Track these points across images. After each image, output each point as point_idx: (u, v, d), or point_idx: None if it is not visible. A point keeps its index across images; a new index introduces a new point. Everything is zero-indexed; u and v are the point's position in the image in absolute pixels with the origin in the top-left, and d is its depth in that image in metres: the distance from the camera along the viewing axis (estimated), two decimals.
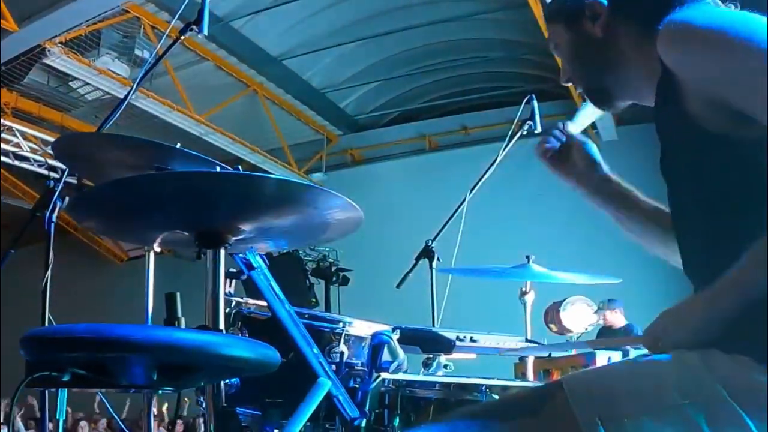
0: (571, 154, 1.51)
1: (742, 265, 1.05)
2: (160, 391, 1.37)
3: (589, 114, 1.61)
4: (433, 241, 3.28)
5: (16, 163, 8.20)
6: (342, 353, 1.73)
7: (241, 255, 1.56)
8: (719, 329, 1.06)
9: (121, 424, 4.42)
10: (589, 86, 1.36)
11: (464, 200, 3.26)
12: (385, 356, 1.59)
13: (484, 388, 1.69)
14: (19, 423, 7.31)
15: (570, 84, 1.40)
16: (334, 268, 8.12)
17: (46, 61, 7.00)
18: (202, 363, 1.32)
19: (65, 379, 1.23)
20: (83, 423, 7.70)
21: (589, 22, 1.28)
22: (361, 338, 1.78)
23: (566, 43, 1.33)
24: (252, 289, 1.59)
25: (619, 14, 1.25)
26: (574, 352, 2.66)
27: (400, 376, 1.64)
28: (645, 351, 1.17)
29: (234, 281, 1.70)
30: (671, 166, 1.22)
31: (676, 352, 1.15)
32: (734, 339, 1.06)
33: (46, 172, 7.99)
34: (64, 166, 2.42)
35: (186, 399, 2.45)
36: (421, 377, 1.77)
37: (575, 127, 1.57)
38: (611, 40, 1.27)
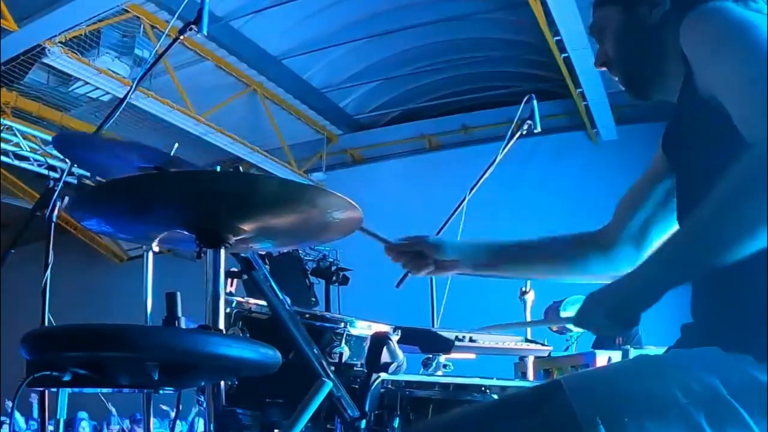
0: (425, 255, 1.59)
1: (666, 243, 1.12)
2: (161, 391, 1.37)
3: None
4: None
5: (16, 162, 8.19)
6: (342, 353, 1.73)
7: (242, 255, 1.56)
8: (640, 310, 1.12)
9: (121, 424, 4.42)
10: (629, 73, 1.36)
11: (464, 200, 3.26)
12: (385, 357, 1.59)
13: (483, 388, 1.69)
14: (19, 418, 7.33)
15: (603, 68, 1.40)
16: (334, 268, 8.10)
17: (46, 60, 6.99)
18: (203, 363, 1.32)
19: (66, 378, 1.23)
20: (84, 423, 7.71)
21: (646, 8, 1.29)
22: (361, 338, 1.78)
23: (616, 26, 1.34)
24: (252, 288, 1.59)
25: (678, 7, 1.25)
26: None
27: (400, 376, 1.64)
28: (646, 351, 1.17)
29: (235, 281, 1.70)
30: (681, 163, 1.23)
31: (677, 350, 1.15)
32: (735, 337, 1.06)
33: (45, 171, 7.98)
34: (63, 166, 2.42)
35: None
36: (421, 377, 1.77)
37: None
38: (662, 31, 1.27)
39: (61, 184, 2.44)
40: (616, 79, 1.39)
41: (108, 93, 7.71)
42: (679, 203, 1.29)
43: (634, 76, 1.36)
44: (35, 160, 8.21)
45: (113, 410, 7.87)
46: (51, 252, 2.41)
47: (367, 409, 1.51)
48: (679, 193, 1.30)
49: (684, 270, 1.08)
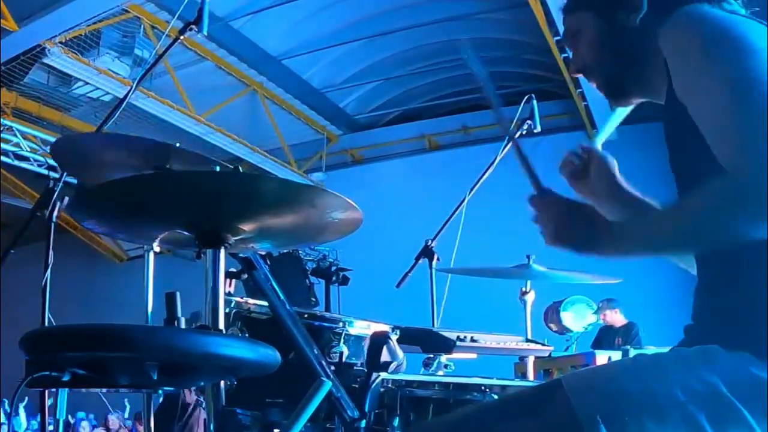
0: (590, 171, 1.53)
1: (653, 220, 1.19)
2: (160, 391, 1.37)
3: (612, 124, 1.63)
4: (432, 240, 3.28)
5: (16, 162, 8.19)
6: (342, 353, 1.73)
7: (242, 255, 1.56)
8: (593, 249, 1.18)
9: (121, 420, 4.41)
10: (609, 78, 1.35)
11: (464, 200, 3.26)
12: (385, 356, 1.59)
13: (483, 387, 1.69)
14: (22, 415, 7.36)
15: (579, 74, 1.39)
16: (334, 268, 8.10)
17: (46, 60, 6.99)
18: (202, 363, 1.32)
19: (65, 378, 1.23)
20: (84, 423, 7.71)
21: (623, 13, 1.28)
22: (360, 338, 1.78)
23: (593, 32, 1.33)
24: (252, 288, 1.59)
25: (656, 10, 1.25)
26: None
27: (400, 376, 1.64)
28: (645, 351, 1.17)
29: (234, 281, 1.70)
30: (678, 165, 1.23)
31: (677, 349, 1.15)
32: (735, 335, 1.06)
33: (46, 171, 7.97)
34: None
35: None
36: (420, 377, 1.76)
37: (601, 139, 1.60)
38: (642, 35, 1.26)
39: (61, 184, 2.44)
40: (594, 85, 1.38)
41: (108, 93, 7.71)
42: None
43: (613, 81, 1.35)
44: (35, 160, 8.21)
45: (127, 405, 7.87)
46: (51, 252, 2.41)
47: (366, 408, 1.51)
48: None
49: (653, 250, 1.18)
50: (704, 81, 1.07)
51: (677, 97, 1.13)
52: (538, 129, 3.27)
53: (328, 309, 7.61)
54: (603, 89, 1.37)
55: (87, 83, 7.63)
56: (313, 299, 7.83)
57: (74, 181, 2.58)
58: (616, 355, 3.14)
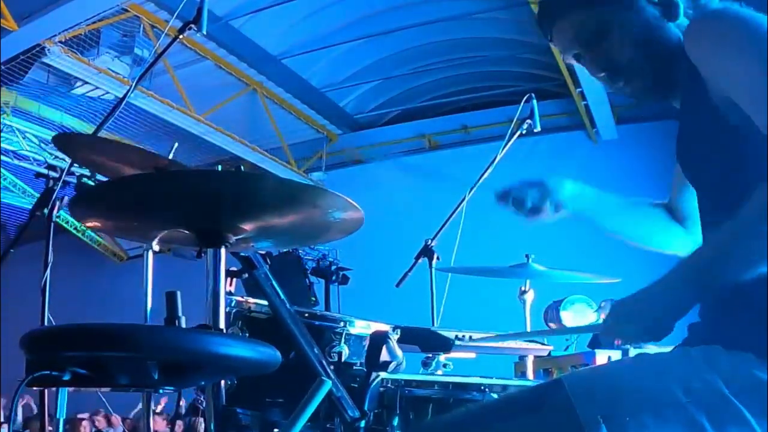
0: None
1: (693, 255, 1.09)
2: (161, 390, 1.37)
3: None
4: (432, 240, 3.29)
5: (16, 162, 8.19)
6: (342, 352, 1.73)
7: (243, 254, 1.56)
8: (675, 320, 1.09)
9: (121, 423, 4.41)
10: (644, 76, 1.26)
11: (464, 199, 3.26)
12: (384, 355, 1.59)
13: (483, 387, 1.69)
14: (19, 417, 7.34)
15: (603, 75, 1.30)
16: (334, 268, 8.11)
17: (46, 60, 6.99)
18: (203, 362, 1.32)
19: (65, 378, 1.23)
20: (85, 423, 7.69)
21: (651, 5, 1.23)
22: (361, 337, 1.78)
23: (623, 28, 1.24)
24: (252, 288, 1.59)
25: (668, 6, 1.21)
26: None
27: (400, 375, 1.64)
28: (646, 350, 1.17)
29: (234, 280, 1.70)
30: (691, 159, 1.23)
31: (678, 349, 1.15)
32: (736, 336, 1.06)
33: (45, 171, 7.96)
34: (63, 165, 2.42)
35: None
36: (420, 377, 1.76)
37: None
38: (665, 29, 1.23)
39: (60, 183, 2.45)
40: (620, 84, 1.29)
41: (108, 92, 7.71)
42: (700, 211, 1.28)
43: (651, 78, 1.26)
44: (35, 160, 8.21)
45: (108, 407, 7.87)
46: (51, 251, 2.41)
47: (366, 408, 1.51)
48: (699, 203, 1.29)
49: (711, 282, 1.06)
50: (747, 77, 1.05)
51: (712, 98, 1.11)
52: (538, 128, 3.28)
53: (328, 308, 7.61)
54: (635, 88, 1.29)
55: (87, 83, 7.62)
56: (313, 299, 7.84)
57: (74, 180, 2.59)
58: (616, 355, 3.14)
